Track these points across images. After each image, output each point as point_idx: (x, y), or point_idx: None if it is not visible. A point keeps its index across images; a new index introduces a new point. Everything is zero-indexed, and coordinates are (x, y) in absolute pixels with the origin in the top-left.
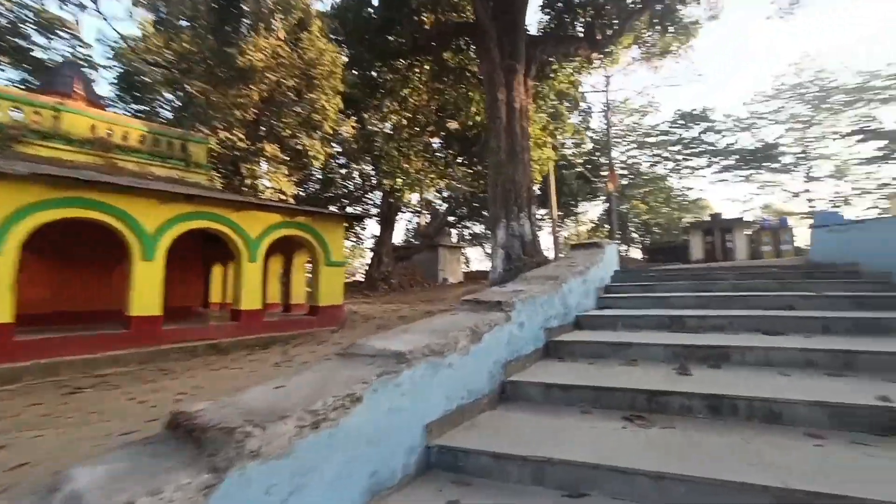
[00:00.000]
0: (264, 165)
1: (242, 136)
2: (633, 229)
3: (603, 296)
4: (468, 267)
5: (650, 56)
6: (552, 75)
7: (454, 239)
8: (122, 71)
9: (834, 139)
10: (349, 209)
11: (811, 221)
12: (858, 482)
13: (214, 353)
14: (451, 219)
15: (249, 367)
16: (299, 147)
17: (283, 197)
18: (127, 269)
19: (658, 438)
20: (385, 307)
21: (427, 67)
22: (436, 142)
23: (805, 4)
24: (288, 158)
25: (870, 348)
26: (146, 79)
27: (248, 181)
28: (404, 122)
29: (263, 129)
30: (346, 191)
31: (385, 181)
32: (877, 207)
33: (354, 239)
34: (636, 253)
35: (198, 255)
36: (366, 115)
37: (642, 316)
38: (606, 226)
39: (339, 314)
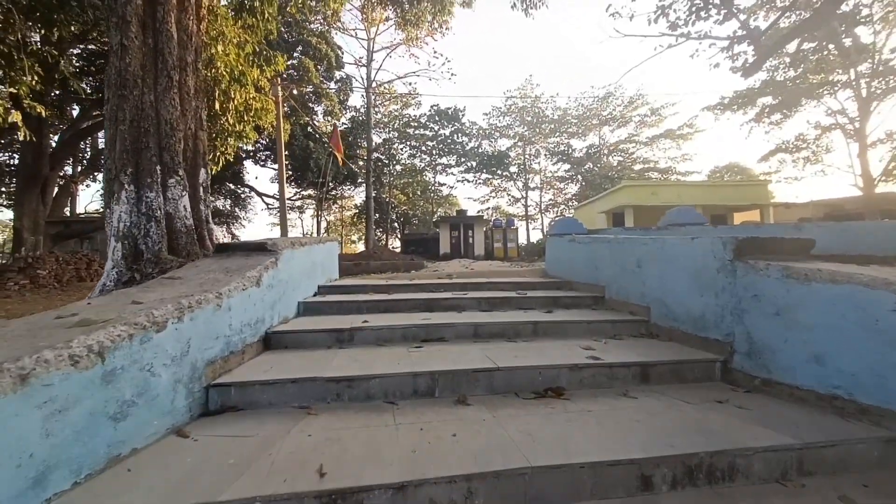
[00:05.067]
0: None
1: None
2: (394, 218)
3: (243, 381)
4: None
5: (405, 22)
6: None
7: None
8: None
9: (544, 157)
10: None
11: (549, 229)
12: None
13: None
14: None
15: None
16: None
17: None
18: None
19: None
20: None
21: None
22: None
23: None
24: None
25: None
26: None
27: None
28: None
29: None
30: None
31: None
32: (563, 215)
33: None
34: (397, 242)
35: None
36: None
37: (283, 497)
38: (376, 214)
39: None
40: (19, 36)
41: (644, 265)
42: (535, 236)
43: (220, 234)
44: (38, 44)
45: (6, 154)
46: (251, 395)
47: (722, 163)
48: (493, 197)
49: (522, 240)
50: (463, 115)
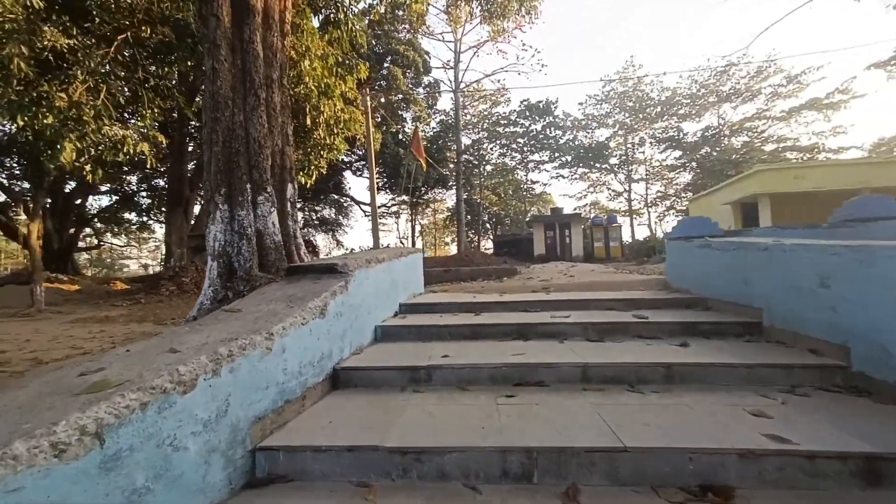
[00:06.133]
0: None
1: None
2: (486, 219)
3: (293, 445)
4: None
5: (490, 15)
6: None
7: None
8: None
9: (650, 145)
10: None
11: (670, 231)
12: None
13: None
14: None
15: None
16: None
17: None
18: None
19: None
20: (106, 331)
21: None
22: None
23: None
24: None
25: None
26: None
27: None
28: None
29: None
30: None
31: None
32: (674, 209)
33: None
34: (490, 244)
35: None
36: None
37: None
38: (468, 216)
39: None
40: (140, 74)
41: (835, 284)
42: (641, 233)
43: (326, 241)
44: (165, 80)
45: (164, 181)
46: (302, 462)
47: (889, 133)
48: (591, 192)
49: (626, 237)
50: (555, 108)
